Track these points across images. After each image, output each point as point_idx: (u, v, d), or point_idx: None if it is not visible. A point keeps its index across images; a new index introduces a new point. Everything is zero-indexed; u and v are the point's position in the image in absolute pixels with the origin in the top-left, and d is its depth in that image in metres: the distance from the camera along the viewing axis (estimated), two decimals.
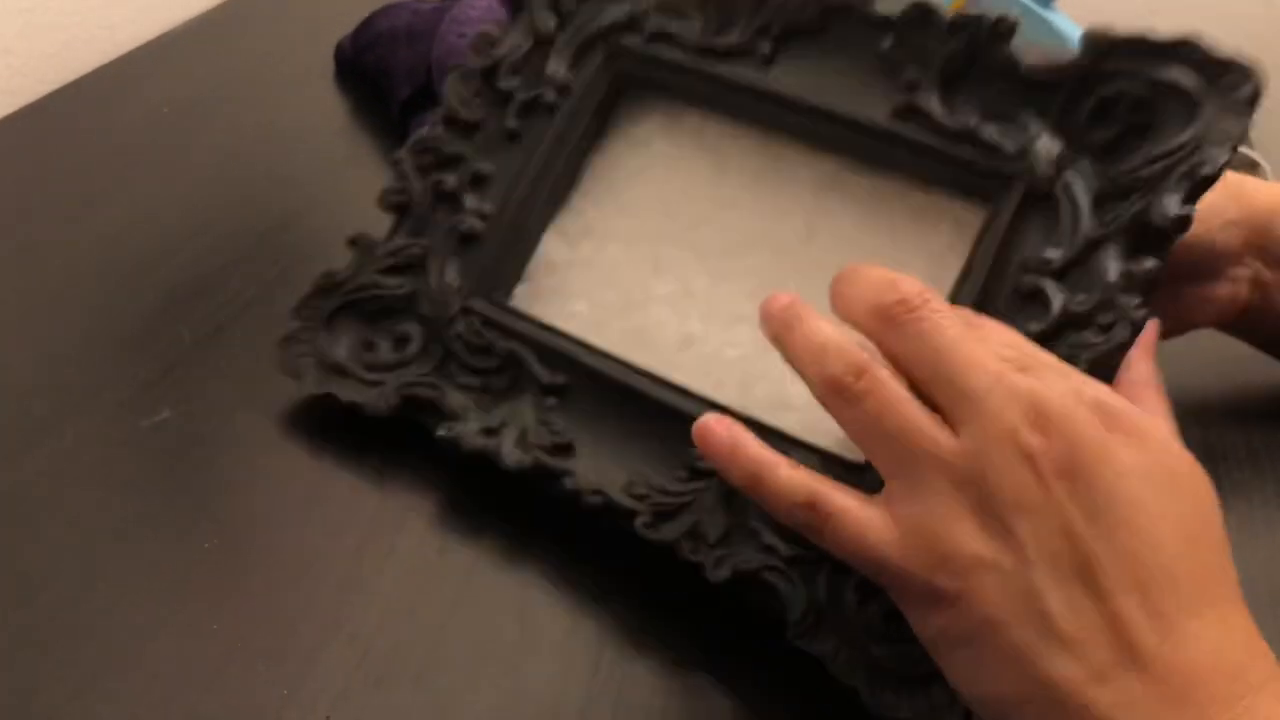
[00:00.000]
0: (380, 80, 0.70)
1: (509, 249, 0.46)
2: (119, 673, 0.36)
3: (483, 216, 0.47)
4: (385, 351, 0.46)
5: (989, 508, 0.30)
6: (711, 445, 0.35)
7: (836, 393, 0.33)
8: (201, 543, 0.41)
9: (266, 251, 0.56)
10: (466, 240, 0.46)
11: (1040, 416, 0.30)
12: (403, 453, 0.45)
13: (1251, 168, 0.78)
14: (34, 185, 0.60)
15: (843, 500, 0.33)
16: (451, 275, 0.46)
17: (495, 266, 0.46)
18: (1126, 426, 0.31)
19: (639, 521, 0.39)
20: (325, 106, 0.72)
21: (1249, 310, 0.48)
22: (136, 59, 0.74)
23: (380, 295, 0.47)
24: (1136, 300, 0.36)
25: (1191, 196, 0.36)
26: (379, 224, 0.48)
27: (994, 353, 0.32)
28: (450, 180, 0.47)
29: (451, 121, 0.48)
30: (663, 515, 0.39)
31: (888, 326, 0.33)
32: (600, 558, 0.41)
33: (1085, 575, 0.29)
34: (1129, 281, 0.36)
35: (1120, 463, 0.30)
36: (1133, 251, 0.36)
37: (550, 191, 0.47)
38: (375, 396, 0.45)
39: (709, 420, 0.36)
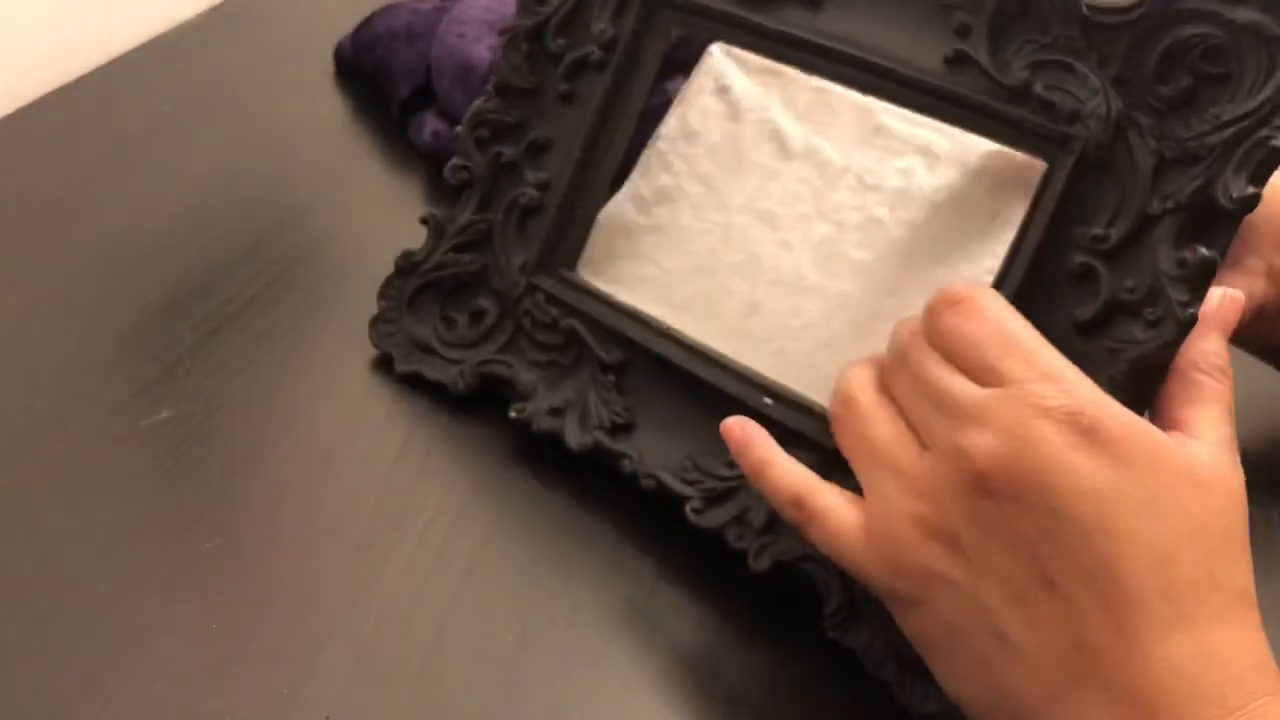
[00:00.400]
0: (380, 80, 0.70)
1: (571, 215, 0.46)
2: (119, 673, 0.36)
3: (542, 187, 0.47)
4: (463, 327, 0.48)
5: (943, 524, 0.31)
6: (729, 443, 0.37)
7: (834, 418, 0.35)
8: (202, 543, 0.41)
9: (266, 251, 0.56)
10: (529, 212, 0.47)
11: (997, 435, 0.30)
12: (407, 451, 0.45)
13: None
14: (34, 185, 0.60)
15: (826, 500, 0.34)
16: (517, 248, 0.47)
17: (559, 235, 0.46)
18: (1105, 439, 0.29)
19: (689, 507, 0.40)
20: (325, 106, 0.72)
21: (1262, 312, 0.43)
22: (136, 59, 0.74)
23: (456, 273, 0.48)
24: (1186, 296, 0.33)
25: (1262, 172, 0.33)
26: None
27: (974, 361, 0.32)
28: (509, 151, 0.47)
29: (504, 90, 0.48)
30: (712, 500, 0.40)
31: (889, 359, 0.35)
32: (598, 555, 0.41)
33: (1044, 595, 0.29)
34: (1182, 270, 0.33)
35: (1081, 482, 0.29)
36: (1190, 234, 0.33)
37: (610, 152, 0.46)
38: (454, 376, 0.46)
39: (729, 421, 0.38)
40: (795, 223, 0.44)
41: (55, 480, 0.43)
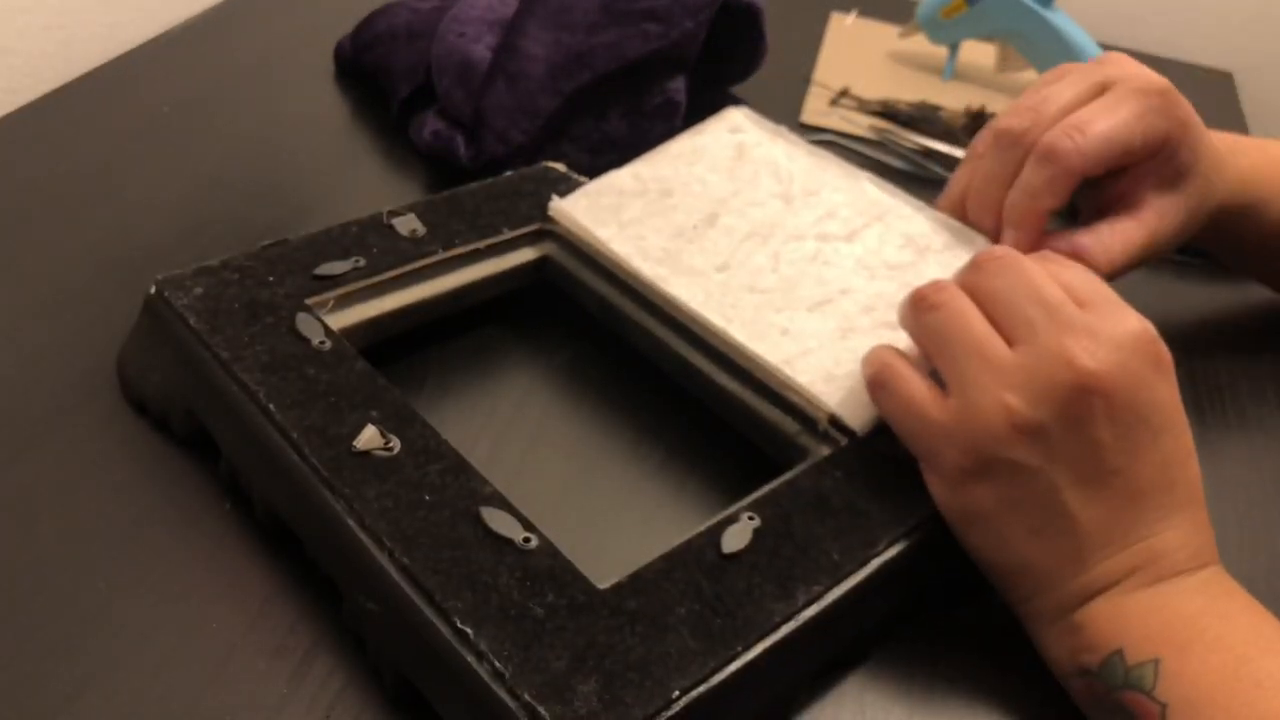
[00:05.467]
0: (380, 80, 0.70)
1: None
2: (119, 672, 0.36)
3: None
4: None
5: (1033, 417, 0.35)
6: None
7: (918, 302, 0.40)
8: (201, 541, 0.41)
9: None
10: None
11: (1102, 347, 0.36)
12: None
13: None
14: (34, 185, 0.60)
15: (909, 370, 0.39)
16: None
17: None
18: (1167, 366, 0.37)
19: None
20: (325, 106, 0.72)
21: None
22: (136, 59, 0.74)
23: None
24: None
25: None
26: None
27: (1064, 287, 0.38)
28: None
29: None
30: None
31: (974, 270, 0.40)
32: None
33: (1108, 479, 0.36)
34: None
35: (1157, 394, 0.36)
36: None
37: None
38: None
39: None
40: (773, 230, 0.50)
41: (55, 480, 0.43)
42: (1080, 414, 0.35)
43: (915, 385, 0.39)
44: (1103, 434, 0.35)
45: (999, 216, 0.47)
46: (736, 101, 0.75)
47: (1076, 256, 0.46)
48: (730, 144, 0.55)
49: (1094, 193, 0.49)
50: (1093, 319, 0.36)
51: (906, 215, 0.50)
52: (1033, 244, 0.46)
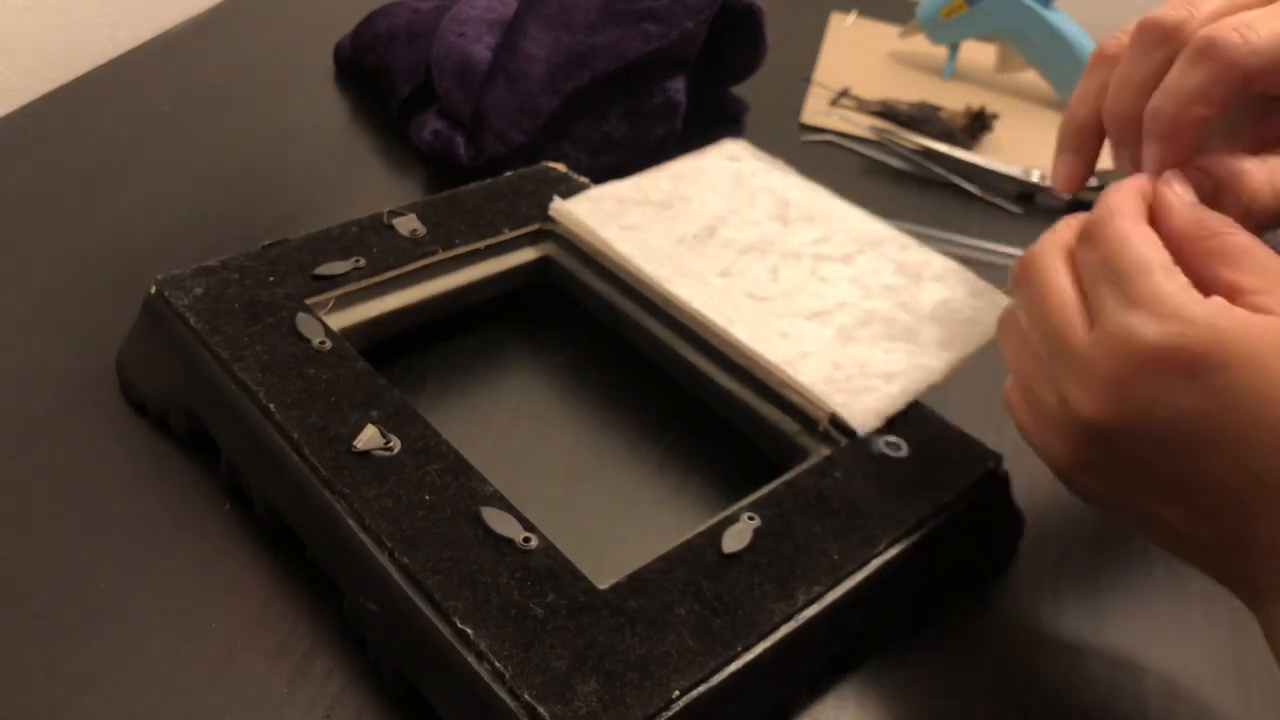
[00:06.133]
0: (380, 80, 0.70)
1: None
2: (119, 672, 0.36)
3: None
4: None
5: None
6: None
7: (1087, 229, 0.34)
8: (201, 542, 0.41)
9: None
10: None
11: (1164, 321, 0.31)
12: None
13: None
14: (34, 185, 0.60)
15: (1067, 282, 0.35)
16: None
17: None
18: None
19: None
20: (325, 106, 0.72)
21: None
22: (136, 59, 0.74)
23: None
24: None
25: None
26: None
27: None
28: None
29: None
30: None
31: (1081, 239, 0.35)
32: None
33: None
34: None
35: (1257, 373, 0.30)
36: None
37: None
38: None
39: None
40: (771, 246, 0.51)
41: (55, 480, 0.43)
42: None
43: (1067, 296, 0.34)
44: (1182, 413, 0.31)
45: (1140, 130, 0.37)
46: (736, 101, 0.76)
47: (1234, 181, 0.36)
48: (729, 170, 0.56)
49: (1251, 128, 0.38)
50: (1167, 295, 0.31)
51: (901, 245, 0.51)
52: (1180, 162, 0.36)
